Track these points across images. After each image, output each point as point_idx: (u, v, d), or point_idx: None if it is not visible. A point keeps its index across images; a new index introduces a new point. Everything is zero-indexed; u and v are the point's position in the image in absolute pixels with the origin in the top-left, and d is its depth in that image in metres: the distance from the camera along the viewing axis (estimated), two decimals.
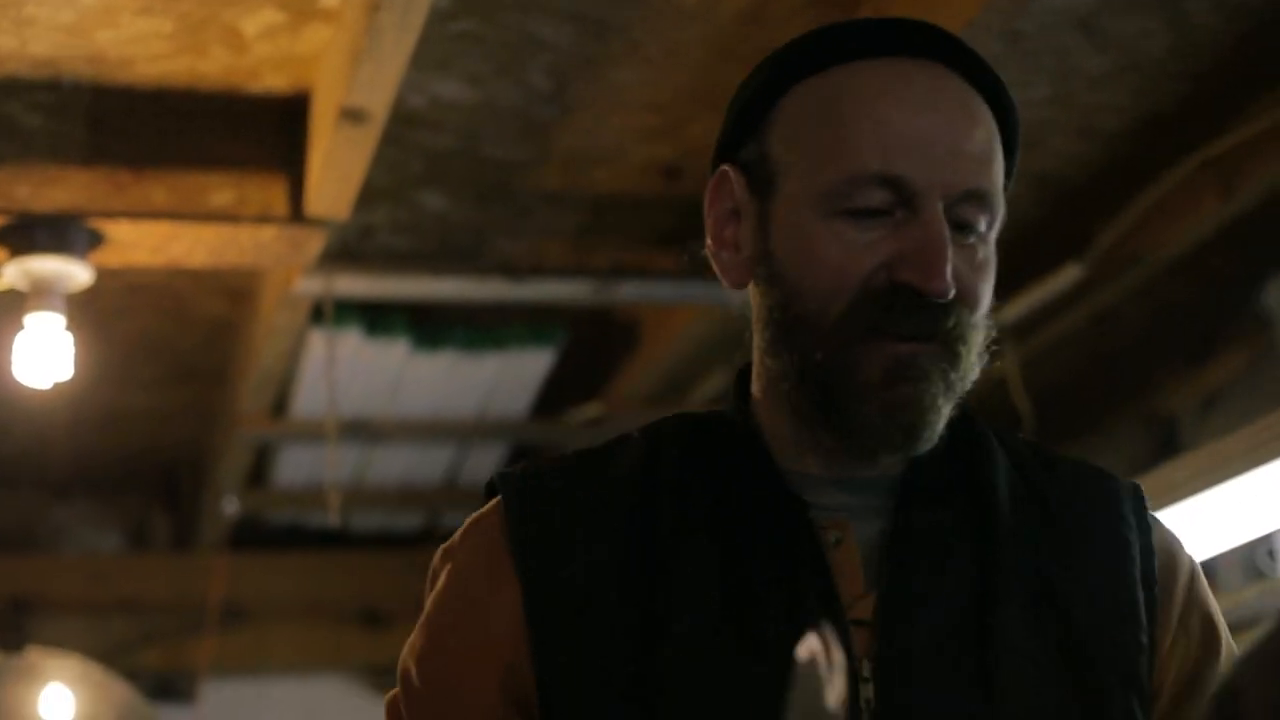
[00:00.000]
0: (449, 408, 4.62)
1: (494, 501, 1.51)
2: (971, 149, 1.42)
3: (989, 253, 1.44)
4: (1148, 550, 1.49)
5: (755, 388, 1.52)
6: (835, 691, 0.97)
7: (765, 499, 1.44)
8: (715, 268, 1.54)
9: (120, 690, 4.65)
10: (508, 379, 4.52)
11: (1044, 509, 1.48)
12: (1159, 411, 4.87)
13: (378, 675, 5.71)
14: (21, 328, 3.36)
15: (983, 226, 1.42)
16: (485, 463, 5.16)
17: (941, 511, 1.44)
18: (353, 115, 2.97)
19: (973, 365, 1.42)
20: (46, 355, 3.36)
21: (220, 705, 5.23)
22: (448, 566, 1.52)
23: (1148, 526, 1.51)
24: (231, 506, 4.86)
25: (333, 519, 3.78)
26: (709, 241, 1.54)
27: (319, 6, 3.01)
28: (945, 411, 1.41)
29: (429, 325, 4.27)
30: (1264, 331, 4.45)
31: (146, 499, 5.59)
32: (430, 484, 5.23)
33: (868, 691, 1.35)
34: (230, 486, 4.90)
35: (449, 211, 3.85)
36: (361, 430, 4.40)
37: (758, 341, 1.50)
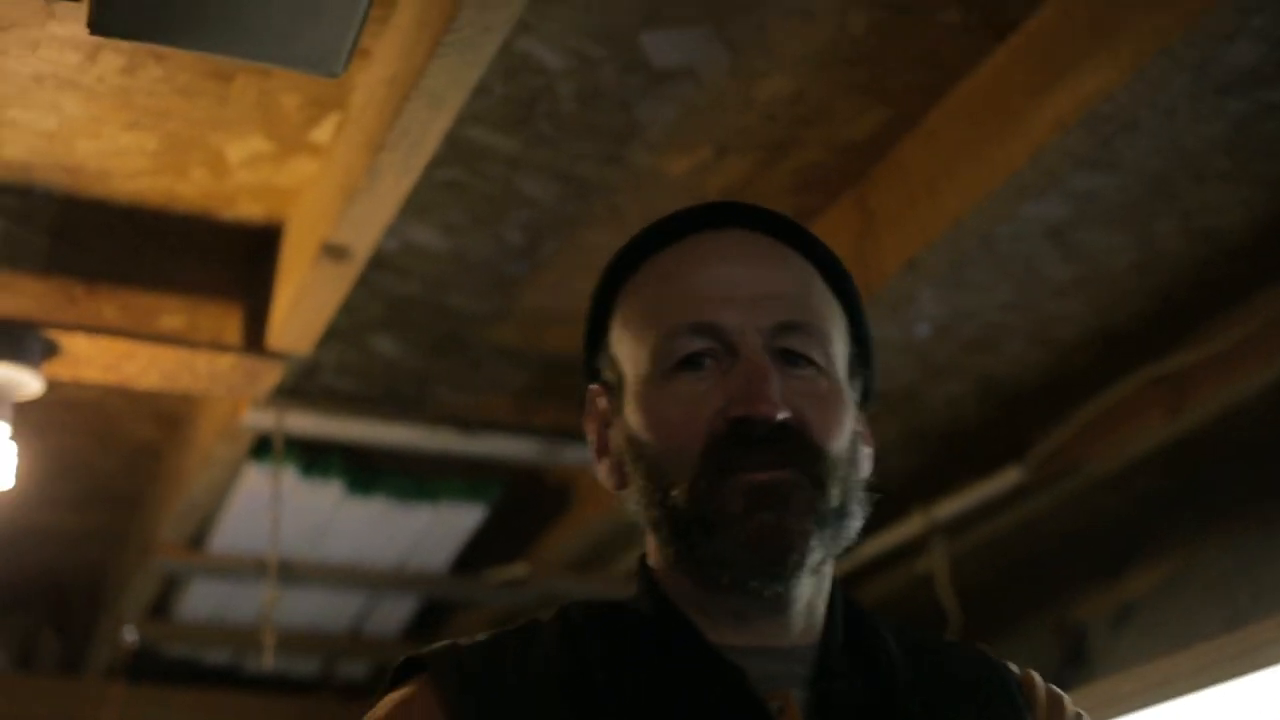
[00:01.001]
0: (370, 555, 4.55)
1: (418, 681, 1.45)
2: (781, 289, 1.48)
3: (835, 386, 1.47)
4: (1034, 705, 1.54)
5: (660, 574, 1.50)
6: None
7: (702, 672, 1.43)
8: (601, 479, 1.55)
9: None
10: (435, 532, 4.46)
11: (939, 673, 1.52)
12: (1071, 620, 4.89)
13: None
14: None
15: (817, 358, 1.46)
16: (394, 614, 5.08)
17: (852, 683, 1.46)
18: (334, 252, 2.95)
19: (846, 499, 1.44)
20: None
21: None
22: None
23: (1035, 690, 1.56)
24: (131, 635, 4.74)
25: (266, 660, 3.68)
26: (593, 458, 1.56)
27: (308, 140, 3.00)
28: (817, 540, 1.41)
29: (363, 470, 4.22)
30: (1182, 552, 4.50)
31: (36, 619, 5.45)
32: (335, 631, 5.14)
33: None
34: (132, 615, 4.78)
35: (399, 358, 3.82)
36: (282, 570, 4.31)
37: (648, 528, 1.49)
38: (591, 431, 1.57)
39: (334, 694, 5.71)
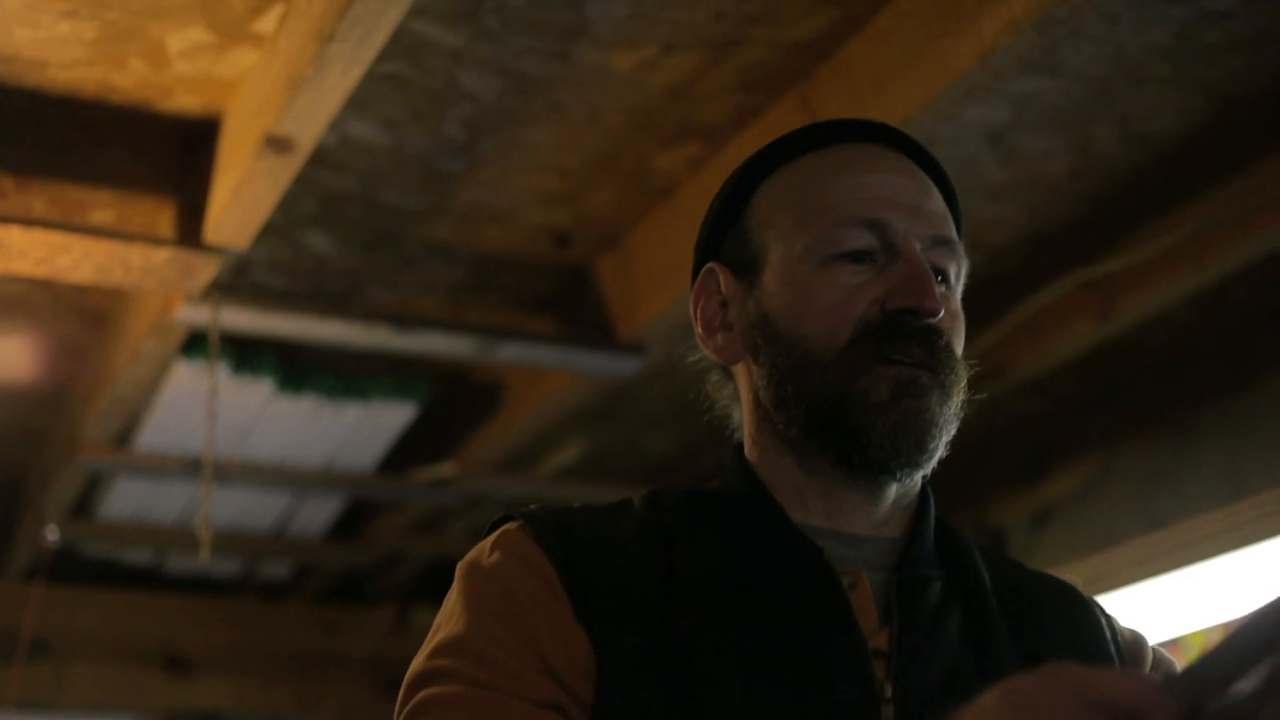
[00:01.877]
0: (298, 454, 4.53)
1: (514, 524, 1.53)
2: (934, 207, 1.58)
3: (958, 305, 1.58)
4: (1116, 637, 1.62)
5: (753, 454, 1.60)
6: None
7: (781, 544, 1.52)
8: (708, 352, 1.64)
9: None
10: (363, 431, 4.45)
11: (1019, 595, 1.59)
12: (989, 523, 4.96)
13: None
14: None
15: (953, 277, 1.58)
16: (319, 514, 5.07)
17: (934, 575, 1.54)
18: (277, 144, 2.91)
19: (959, 403, 1.53)
20: None
21: None
22: (487, 566, 1.50)
23: (1113, 622, 1.65)
24: (54, 535, 4.70)
25: (203, 556, 3.66)
26: (699, 331, 1.65)
27: (250, 30, 2.96)
28: (945, 434, 1.51)
29: (295, 368, 4.20)
30: (1101, 456, 4.56)
31: None
32: (258, 531, 5.12)
33: (888, 713, 1.43)
34: (54, 515, 4.74)
35: (331, 255, 3.79)
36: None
37: (758, 403, 1.59)
38: (705, 306, 1.64)
39: (255, 594, 5.71)
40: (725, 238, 1.64)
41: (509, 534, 1.51)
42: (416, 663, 1.45)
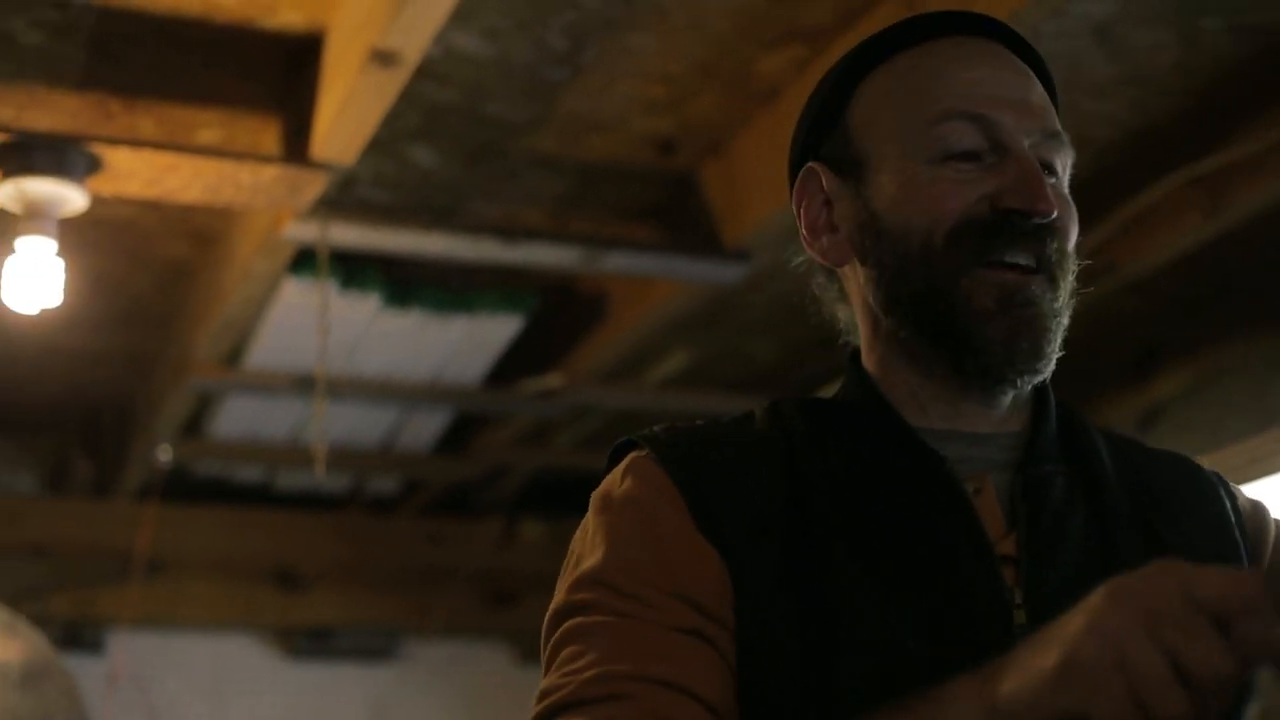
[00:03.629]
0: (404, 369, 4.56)
1: (639, 453, 1.52)
2: (1039, 100, 1.55)
3: (1067, 194, 1.55)
4: (1237, 509, 1.61)
5: (869, 361, 1.59)
6: None
7: (903, 454, 1.50)
8: (814, 255, 1.62)
9: (28, 635, 4.55)
10: (470, 344, 4.47)
11: (1141, 477, 1.57)
12: (1098, 422, 4.92)
13: (288, 637, 5.66)
14: (12, 251, 3.26)
15: (1059, 169, 1.54)
16: (426, 428, 5.11)
17: (1059, 469, 1.52)
18: (383, 57, 2.92)
19: (1069, 299, 1.51)
20: (36, 281, 3.27)
21: (129, 657, 5.13)
22: (619, 497, 1.50)
23: (1233, 492, 1.63)
24: (166, 455, 4.76)
25: (319, 473, 3.70)
26: (804, 234, 1.62)
27: None
28: (1058, 336, 1.50)
29: (401, 283, 4.22)
30: (1212, 354, 4.52)
31: (67, 442, 5.47)
32: (366, 446, 5.17)
33: (1020, 618, 1.41)
34: (166, 435, 4.80)
35: (435, 168, 3.80)
36: (314, 386, 4.32)
37: (869, 308, 1.58)
38: (808, 207, 1.61)
39: (364, 509, 5.77)
40: (825, 138, 1.61)
41: (638, 462, 1.51)
42: (557, 598, 1.46)
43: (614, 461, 1.55)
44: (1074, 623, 1.09)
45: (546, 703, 1.37)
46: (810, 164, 1.61)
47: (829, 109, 1.61)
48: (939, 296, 1.48)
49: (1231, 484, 1.64)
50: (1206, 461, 3.74)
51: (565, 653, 1.40)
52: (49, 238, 3.25)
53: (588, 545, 1.48)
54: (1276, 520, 1.64)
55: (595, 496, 1.52)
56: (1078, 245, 1.55)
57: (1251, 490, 3.82)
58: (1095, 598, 1.09)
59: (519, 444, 5.20)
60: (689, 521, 1.44)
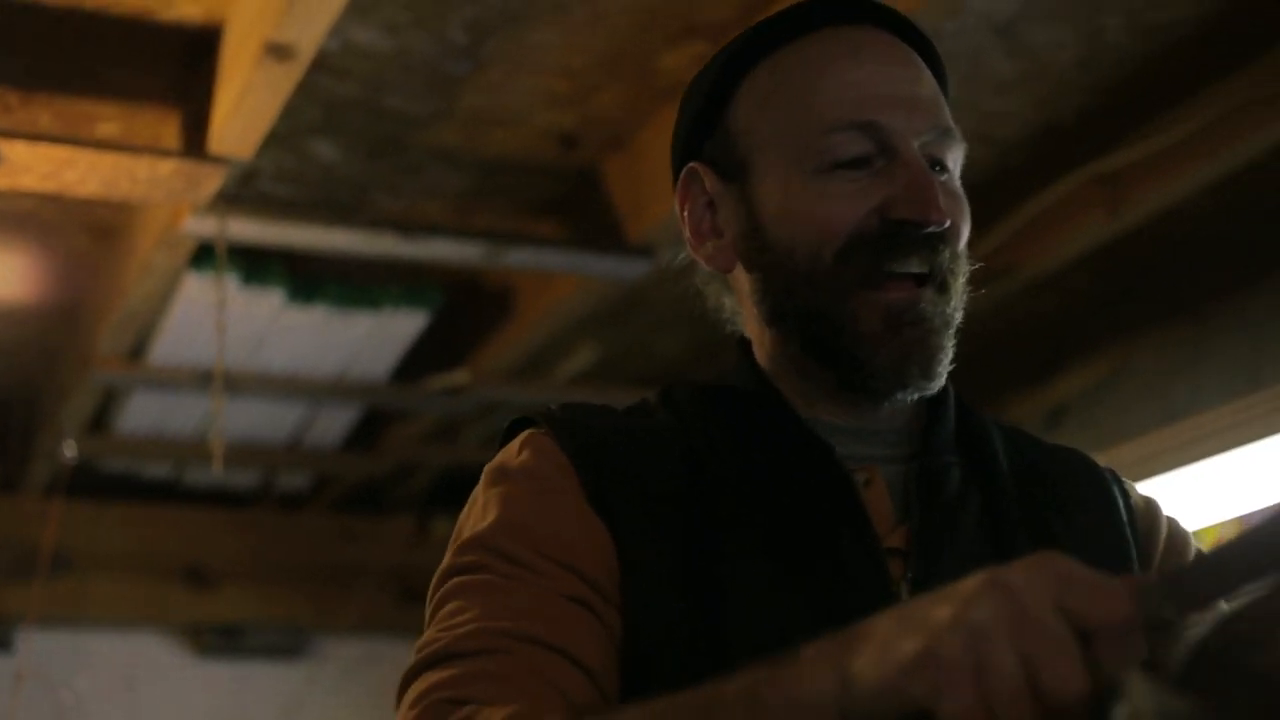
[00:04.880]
0: (310, 365, 4.54)
1: (535, 429, 1.51)
2: (928, 93, 1.52)
3: (959, 188, 1.52)
4: (1130, 505, 1.60)
5: (759, 355, 1.57)
6: None
7: (793, 446, 1.49)
8: (699, 259, 1.59)
9: None
10: (375, 340, 4.45)
11: (1036, 471, 1.57)
12: (1004, 421, 4.94)
13: (198, 634, 5.62)
14: None
15: (951, 163, 1.51)
16: (334, 424, 5.08)
17: (953, 462, 1.51)
18: (277, 51, 2.89)
19: (961, 298, 1.49)
20: None
21: (37, 655, 5.08)
22: (515, 465, 1.48)
23: (1127, 489, 1.63)
24: (71, 451, 4.72)
25: (216, 468, 3.67)
26: (688, 237, 1.59)
27: None
28: (949, 346, 1.48)
29: (305, 278, 4.19)
30: (1116, 352, 4.55)
31: None
32: (273, 442, 5.14)
33: None
34: (71, 430, 4.76)
35: (337, 163, 3.78)
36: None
37: (756, 316, 1.56)
38: (691, 210, 1.58)
39: (274, 505, 5.73)
40: (707, 137, 1.56)
41: (534, 437, 1.49)
42: (445, 560, 1.45)
43: (509, 437, 1.53)
44: (942, 610, 1.07)
45: (421, 655, 1.36)
46: (692, 164, 1.57)
47: (709, 107, 1.57)
48: (825, 319, 1.47)
49: (1126, 480, 1.64)
50: (1108, 458, 3.76)
51: (446, 609, 1.39)
52: None
53: (477, 513, 1.46)
54: (1168, 517, 1.64)
55: (488, 469, 1.51)
56: (979, 244, 1.54)
57: (1149, 486, 3.86)
58: (970, 585, 1.07)
59: (428, 441, 5.18)
60: (581, 496, 1.42)
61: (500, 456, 1.51)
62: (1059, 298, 4.49)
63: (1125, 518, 1.58)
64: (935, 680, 1.04)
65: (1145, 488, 3.72)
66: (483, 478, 1.50)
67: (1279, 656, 1.05)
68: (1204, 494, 3.89)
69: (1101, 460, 1.68)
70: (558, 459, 1.46)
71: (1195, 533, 3.78)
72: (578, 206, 3.93)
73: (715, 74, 1.57)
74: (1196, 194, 3.74)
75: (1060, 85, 3.54)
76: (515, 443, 1.51)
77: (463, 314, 4.52)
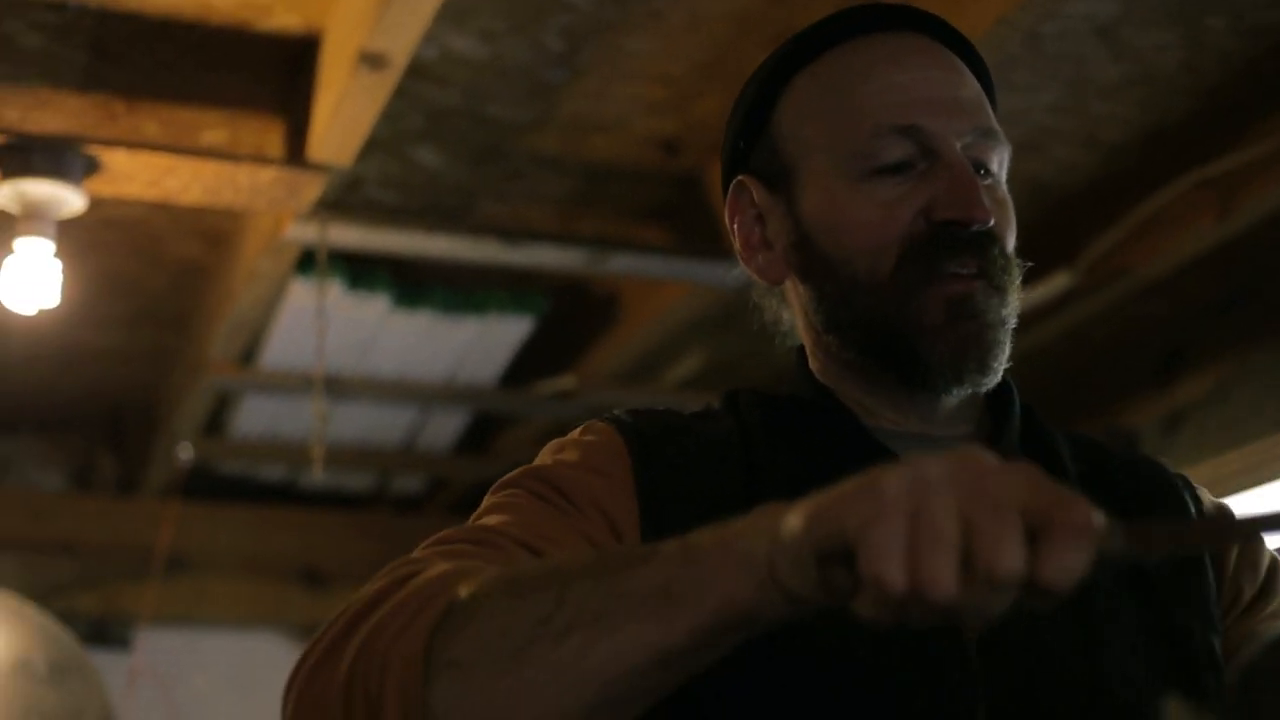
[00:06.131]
0: (418, 369, 4.57)
1: (604, 425, 1.53)
2: (970, 95, 1.51)
3: (1005, 192, 1.52)
4: (1202, 513, 1.58)
5: (814, 365, 1.57)
6: None
7: (857, 452, 1.46)
8: (751, 272, 1.60)
9: (54, 631, 4.58)
10: (482, 345, 4.47)
11: (1104, 479, 1.55)
12: (1122, 427, 4.88)
13: (313, 635, 5.66)
14: (10, 251, 3.28)
15: (995, 166, 1.51)
16: (445, 428, 5.11)
17: None
18: (371, 60, 2.92)
19: (1016, 300, 1.49)
20: (34, 282, 3.29)
21: (154, 653, 5.16)
22: (567, 444, 1.52)
23: (1198, 496, 1.60)
24: (186, 453, 4.79)
25: (316, 473, 3.72)
26: (739, 250, 1.60)
27: None
28: (1006, 344, 1.48)
29: (410, 283, 4.23)
30: (1232, 356, 4.47)
31: (92, 440, 5.51)
32: (387, 445, 5.18)
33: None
34: (186, 433, 4.83)
35: (441, 170, 3.80)
36: (331, 385, 4.33)
37: (811, 325, 1.55)
38: (741, 223, 1.59)
39: (389, 508, 5.78)
40: (753, 147, 1.57)
41: (595, 425, 1.52)
42: (502, 483, 1.48)
43: None
44: (901, 462, 1.03)
45: (437, 535, 1.39)
46: (740, 177, 1.58)
47: (754, 118, 1.57)
48: (888, 322, 1.46)
49: (1197, 487, 1.61)
50: (1222, 464, 3.67)
51: (483, 510, 1.43)
52: (47, 239, 3.27)
53: (551, 451, 1.51)
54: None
55: (553, 442, 1.53)
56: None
57: (1264, 493, 3.79)
58: (940, 457, 1.03)
59: (540, 444, 5.17)
60: (630, 483, 1.43)
61: (571, 434, 1.54)
62: (1171, 303, 4.42)
63: None
64: (866, 513, 1.00)
65: (1258, 495, 3.66)
66: (548, 445, 1.54)
67: None
68: None
69: (1215, 467, 1.67)
70: (615, 446, 1.47)
71: None
72: (681, 212, 3.92)
73: (759, 85, 1.58)
74: None
75: (1166, 88, 3.49)
76: (579, 429, 1.53)
77: (570, 318, 4.54)
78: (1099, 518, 1.00)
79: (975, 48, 1.57)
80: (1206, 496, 1.62)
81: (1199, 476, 3.41)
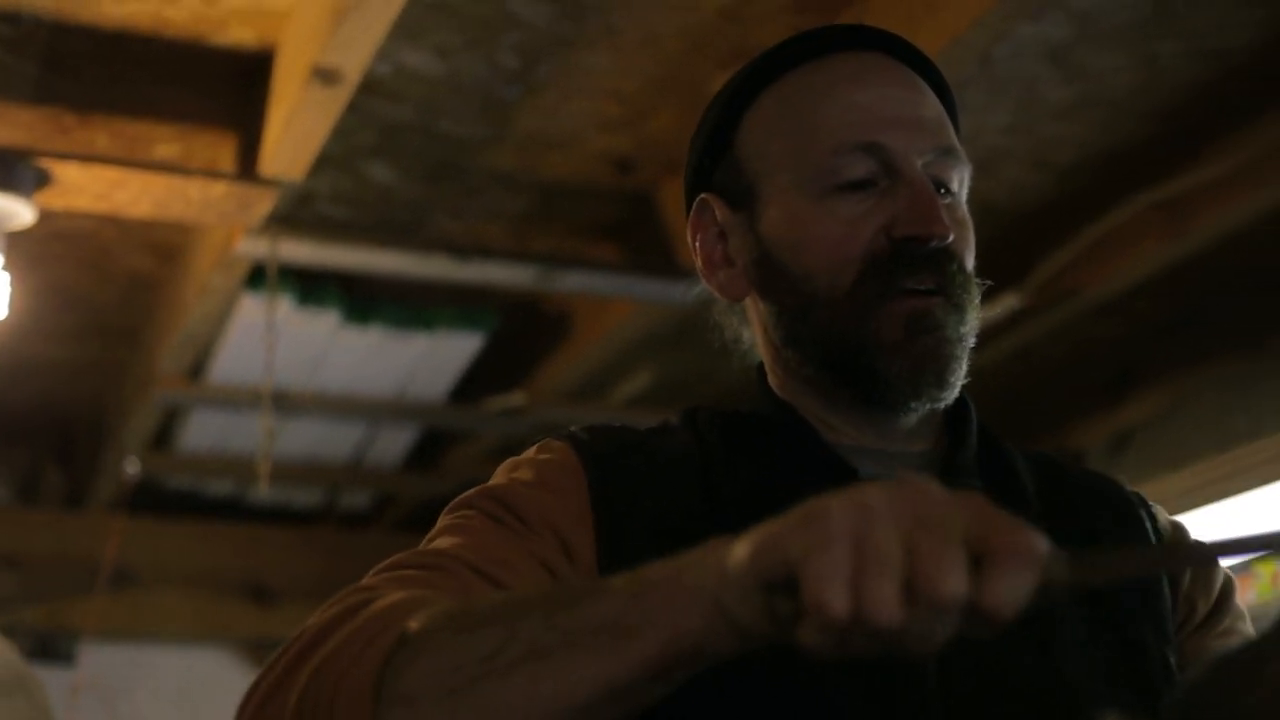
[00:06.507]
0: (367, 385, 4.56)
1: (559, 442, 1.51)
2: (932, 115, 1.51)
3: (965, 212, 1.52)
4: (1158, 529, 1.58)
5: (775, 384, 1.56)
6: None
7: (817, 467, 1.47)
8: (712, 289, 1.59)
9: None
10: (431, 361, 4.46)
11: (1061, 496, 1.55)
12: (1070, 447, 4.91)
13: (260, 650, 5.64)
14: None
15: (955, 185, 1.51)
16: (394, 444, 5.10)
17: (975, 486, 1.49)
18: (324, 75, 2.91)
19: (974, 320, 1.48)
20: None
21: (99, 668, 5.12)
22: (522, 463, 1.49)
23: (1154, 513, 1.60)
24: (134, 468, 4.76)
25: (262, 489, 3.70)
26: (700, 267, 1.59)
27: None
28: (963, 360, 1.47)
29: (360, 299, 4.21)
30: (1180, 378, 4.50)
31: (39, 453, 5.46)
32: (335, 461, 5.16)
33: None
34: (134, 447, 4.80)
35: (394, 185, 3.79)
36: (279, 401, 4.32)
37: (770, 341, 1.55)
38: (703, 240, 1.58)
39: (336, 524, 5.75)
40: (717, 165, 1.57)
41: (550, 443, 1.50)
42: (454, 505, 1.46)
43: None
44: (845, 491, 1.03)
45: (389, 560, 1.38)
46: (704, 195, 1.57)
47: (718, 136, 1.57)
48: (846, 338, 1.46)
49: (1154, 505, 1.62)
50: (1168, 484, 3.67)
51: (436, 532, 1.42)
52: None
53: (503, 471, 1.49)
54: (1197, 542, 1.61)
55: (508, 461, 1.51)
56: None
57: (1207, 512, 3.81)
58: (884, 484, 1.02)
59: (489, 461, 5.18)
60: (585, 498, 1.42)
61: (526, 453, 1.52)
62: (1122, 324, 4.45)
63: (1154, 542, 1.56)
64: (810, 540, 0.99)
65: (1204, 514, 3.68)
66: (502, 466, 1.51)
67: (1263, 695, 1.02)
68: (1263, 520, 3.83)
69: (1161, 487, 1.67)
70: (570, 463, 1.46)
71: (1251, 564, 3.73)
72: (633, 230, 3.93)
73: (723, 104, 1.58)
74: (1256, 220, 3.70)
75: (1117, 110, 3.52)
76: (534, 447, 1.52)
77: (520, 335, 4.53)
78: (1043, 545, 1.00)
79: (938, 68, 1.57)
80: (1162, 515, 1.61)
81: (1146, 495, 3.45)
